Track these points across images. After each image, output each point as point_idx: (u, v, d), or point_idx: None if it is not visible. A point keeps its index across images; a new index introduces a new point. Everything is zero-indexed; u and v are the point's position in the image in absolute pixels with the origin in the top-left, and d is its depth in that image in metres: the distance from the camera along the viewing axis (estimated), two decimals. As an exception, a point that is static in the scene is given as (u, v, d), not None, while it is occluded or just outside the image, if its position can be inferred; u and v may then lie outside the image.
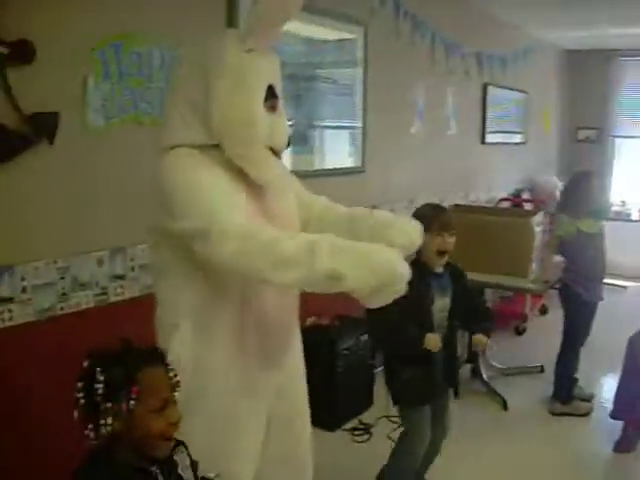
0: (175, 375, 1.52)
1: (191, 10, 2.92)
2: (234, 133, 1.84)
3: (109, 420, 1.43)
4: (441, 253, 2.70)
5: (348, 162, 4.20)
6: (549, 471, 3.39)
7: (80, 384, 1.46)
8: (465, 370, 4.52)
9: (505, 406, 4.08)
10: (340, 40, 4.02)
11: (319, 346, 3.70)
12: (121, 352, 1.49)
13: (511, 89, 6.44)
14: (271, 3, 1.81)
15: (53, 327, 2.52)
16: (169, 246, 1.85)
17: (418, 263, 2.65)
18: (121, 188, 2.71)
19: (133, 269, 2.82)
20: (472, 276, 3.80)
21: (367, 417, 3.82)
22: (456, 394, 2.95)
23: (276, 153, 1.93)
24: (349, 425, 3.77)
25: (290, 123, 2.18)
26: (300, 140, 3.73)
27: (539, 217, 4.10)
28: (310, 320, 3.88)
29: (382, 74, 4.35)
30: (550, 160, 7.66)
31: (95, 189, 2.64)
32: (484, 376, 4.36)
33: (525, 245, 3.85)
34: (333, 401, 3.67)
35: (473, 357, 4.46)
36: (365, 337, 3.85)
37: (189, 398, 1.69)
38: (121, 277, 2.77)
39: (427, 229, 2.56)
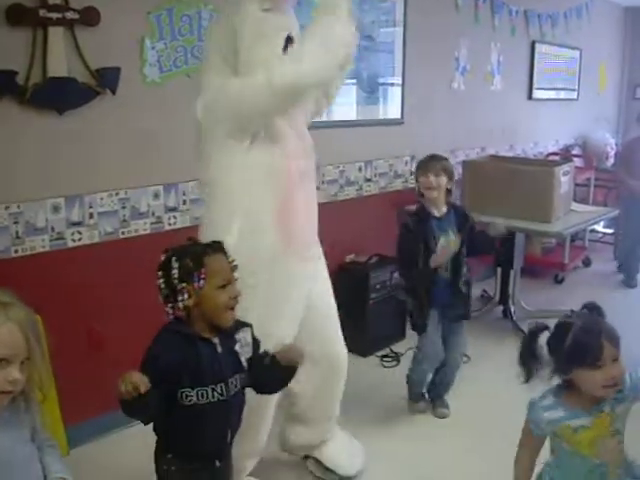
0: (233, 260, 1.90)
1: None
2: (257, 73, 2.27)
3: (185, 297, 1.79)
4: (428, 189, 3.08)
5: (388, 114, 4.54)
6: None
7: (160, 272, 1.81)
8: (497, 311, 4.84)
9: (527, 342, 4.32)
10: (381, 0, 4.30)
11: (354, 280, 4.10)
12: (189, 245, 1.88)
13: (562, 46, 6.43)
14: None
15: (114, 248, 3.00)
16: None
17: (420, 210, 3.14)
18: (172, 131, 3.13)
19: (185, 202, 3.24)
20: (498, 219, 4.12)
21: (398, 347, 4.17)
22: (465, 317, 3.30)
23: None
24: (380, 353, 4.14)
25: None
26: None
27: (566, 167, 4.30)
28: (349, 257, 4.27)
29: (422, 33, 4.56)
30: (606, 117, 7.66)
31: (151, 132, 3.06)
32: (513, 316, 4.60)
33: (548, 193, 4.09)
34: (365, 330, 4.07)
35: (504, 299, 4.75)
36: (397, 274, 4.19)
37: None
38: (174, 209, 3.22)
39: (417, 173, 3.10)
